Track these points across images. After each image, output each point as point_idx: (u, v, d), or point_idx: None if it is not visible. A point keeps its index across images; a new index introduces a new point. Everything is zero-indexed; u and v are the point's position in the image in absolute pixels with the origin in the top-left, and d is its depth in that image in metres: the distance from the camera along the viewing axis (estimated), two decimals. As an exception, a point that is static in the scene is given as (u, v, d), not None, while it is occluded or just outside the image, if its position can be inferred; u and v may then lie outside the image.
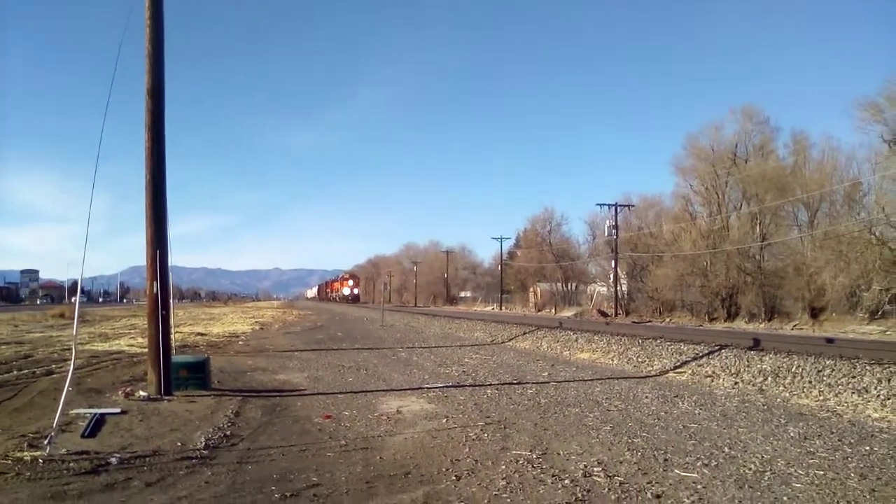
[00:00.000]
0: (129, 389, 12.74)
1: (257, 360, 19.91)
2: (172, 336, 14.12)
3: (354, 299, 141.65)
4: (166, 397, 12.27)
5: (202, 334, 31.57)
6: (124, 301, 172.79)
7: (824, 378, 13.92)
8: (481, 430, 9.97)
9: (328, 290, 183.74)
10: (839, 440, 9.45)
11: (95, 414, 10.44)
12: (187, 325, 39.01)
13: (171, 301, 13.57)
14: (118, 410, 10.96)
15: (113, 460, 7.87)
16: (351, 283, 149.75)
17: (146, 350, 13.31)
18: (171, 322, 13.69)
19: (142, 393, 12.42)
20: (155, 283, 12.68)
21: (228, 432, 9.62)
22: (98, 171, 10.88)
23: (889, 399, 12.01)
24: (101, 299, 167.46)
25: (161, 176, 12.85)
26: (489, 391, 13.95)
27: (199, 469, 7.67)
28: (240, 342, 27.78)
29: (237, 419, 10.71)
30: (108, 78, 11.66)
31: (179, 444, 8.83)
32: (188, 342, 25.98)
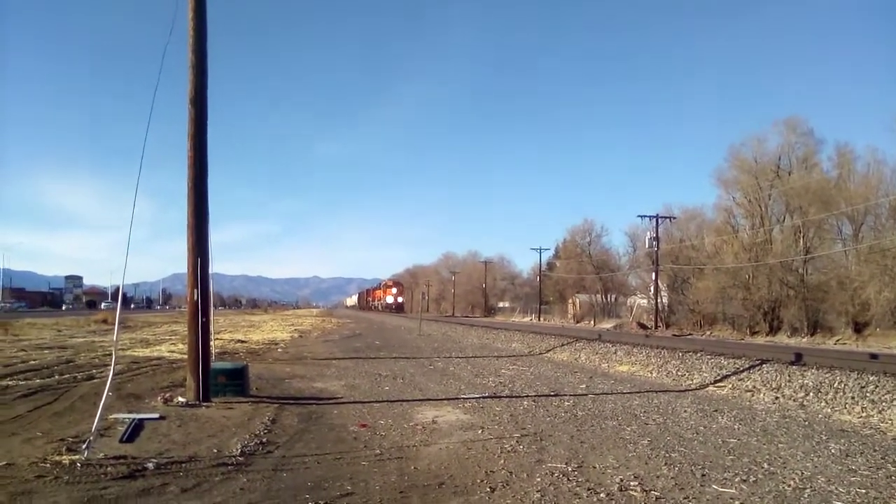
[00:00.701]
0: (168, 395, 12.87)
1: (295, 368, 20.01)
2: (212, 343, 14.25)
3: (398, 308, 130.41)
4: (204, 403, 12.37)
5: (242, 341, 31.82)
6: (166, 307, 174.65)
7: (868, 394, 13.67)
8: (517, 441, 9.91)
9: (369, 299, 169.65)
10: (882, 458, 9.26)
11: (134, 419, 10.54)
12: (227, 332, 39.35)
13: (212, 308, 13.67)
14: (157, 416, 11.06)
15: (150, 465, 7.94)
16: (395, 290, 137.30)
17: (186, 356, 13.45)
18: (211, 329, 13.80)
19: (180, 399, 12.53)
20: (195, 290, 12.78)
21: (265, 439, 9.66)
22: (141, 178, 11.05)
23: (935, 417, 11.77)
24: (132, 305, 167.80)
25: (203, 184, 12.97)
26: (526, 402, 13.88)
27: (234, 476, 7.71)
28: (279, 350, 27.93)
29: (274, 426, 10.75)
30: (153, 86, 11.80)
31: (216, 450, 8.89)
32: (228, 349, 26.21)
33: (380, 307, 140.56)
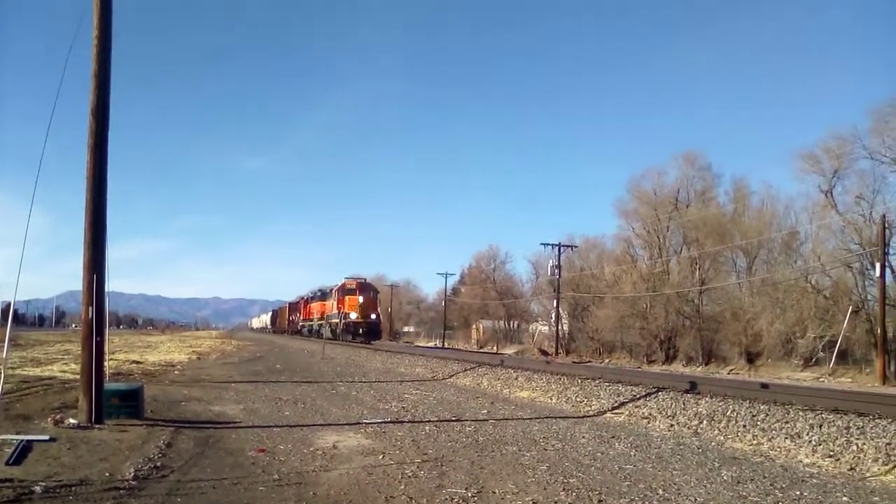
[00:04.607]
0: (59, 416, 12.42)
1: (192, 391, 19.56)
2: (106, 363, 13.82)
3: (370, 332, 64.11)
4: (97, 425, 11.98)
5: (137, 362, 30.91)
6: (61, 326, 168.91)
7: (758, 423, 14.10)
8: (418, 466, 9.91)
9: (294, 318, 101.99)
10: (771, 484, 9.58)
11: (22, 441, 10.14)
12: (123, 353, 38.20)
13: (107, 327, 13.28)
14: (46, 438, 10.67)
15: (37, 489, 7.66)
16: (361, 299, 64.60)
17: (79, 376, 13.03)
18: (106, 349, 13.39)
19: (72, 420, 12.11)
20: (90, 308, 12.41)
21: (159, 463, 9.41)
22: (38, 192, 10.73)
23: (820, 445, 12.21)
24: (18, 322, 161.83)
25: (102, 198, 12.63)
26: (428, 427, 13.89)
27: (126, 500, 7.50)
28: (175, 371, 27.29)
29: (168, 450, 10.49)
30: (52, 96, 11.50)
31: (108, 473, 8.62)
32: (122, 370, 25.43)
33: (327, 330, 69.38)
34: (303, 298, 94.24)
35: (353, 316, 63.77)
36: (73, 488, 7.83)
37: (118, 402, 12.99)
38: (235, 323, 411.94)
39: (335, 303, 68.14)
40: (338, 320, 65.70)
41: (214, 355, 42.84)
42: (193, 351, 46.63)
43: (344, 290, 66.57)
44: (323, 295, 77.40)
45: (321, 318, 74.97)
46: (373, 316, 64.80)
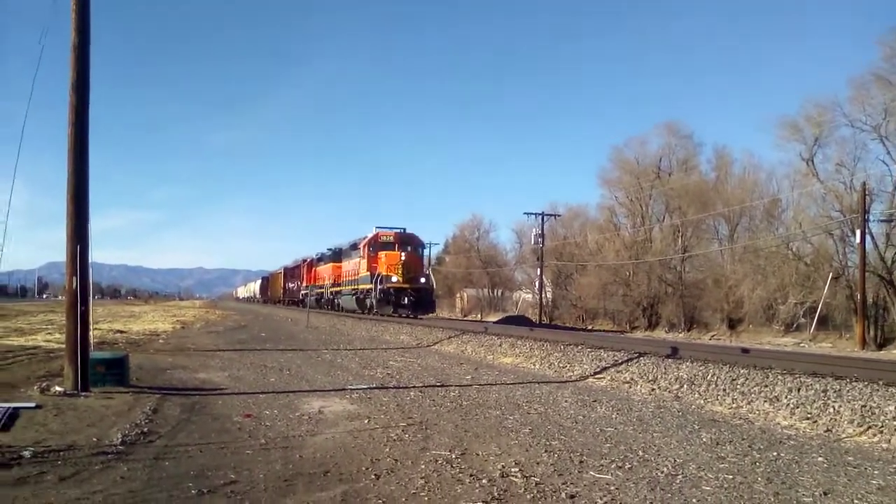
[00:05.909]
0: (45, 384, 12.47)
1: (177, 359, 19.61)
2: (91, 332, 13.85)
3: (420, 302, 44.46)
4: (83, 393, 12.05)
5: (122, 331, 30.91)
6: (43, 296, 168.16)
7: (738, 386, 14.29)
8: (403, 430, 10.03)
9: (294, 284, 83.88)
10: (749, 446, 9.74)
11: (8, 408, 10.20)
12: (106, 322, 38.11)
13: (91, 297, 13.31)
14: (33, 405, 10.73)
15: (26, 454, 7.73)
16: (404, 256, 43.95)
17: (63, 346, 13.08)
18: (90, 318, 13.42)
19: (58, 388, 12.17)
20: (74, 278, 12.43)
21: (146, 429, 9.49)
22: (19, 163, 10.71)
23: (798, 408, 12.41)
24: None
25: (84, 170, 12.59)
26: (412, 393, 14.01)
27: (114, 464, 7.58)
28: (160, 340, 27.29)
29: (155, 416, 10.57)
30: (31, 66, 11.44)
31: (95, 439, 8.70)
32: (107, 339, 25.44)
33: (350, 300, 51.41)
34: (305, 261, 75.60)
35: (395, 279, 44.14)
36: (62, 453, 7.91)
37: (103, 370, 13.03)
38: (219, 293, 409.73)
39: (363, 262, 47.85)
40: (370, 286, 45.81)
41: (199, 324, 42.81)
42: (177, 320, 46.57)
43: (377, 245, 46.64)
44: (336, 255, 58.61)
45: (335, 284, 57.59)
46: (422, 280, 45.45)
